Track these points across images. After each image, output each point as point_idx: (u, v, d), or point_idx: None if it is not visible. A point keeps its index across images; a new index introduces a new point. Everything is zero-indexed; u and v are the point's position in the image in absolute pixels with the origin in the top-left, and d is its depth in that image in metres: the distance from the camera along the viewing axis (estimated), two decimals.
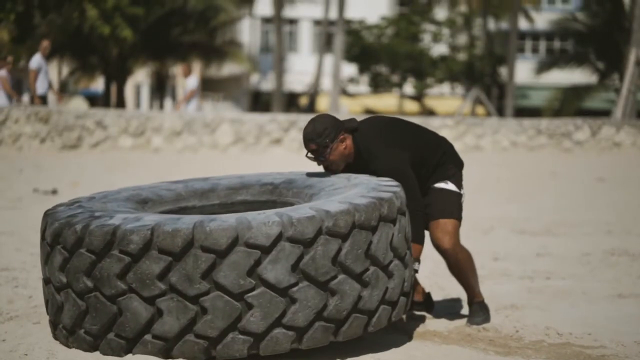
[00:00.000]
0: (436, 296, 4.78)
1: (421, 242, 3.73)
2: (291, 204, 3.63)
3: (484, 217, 7.97)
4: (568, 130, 15.59)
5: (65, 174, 10.55)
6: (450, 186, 3.95)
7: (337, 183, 3.60)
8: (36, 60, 13.73)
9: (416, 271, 3.72)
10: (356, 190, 3.40)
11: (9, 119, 13.21)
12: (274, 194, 3.80)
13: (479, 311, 4.12)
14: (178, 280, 2.97)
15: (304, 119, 13.97)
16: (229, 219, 3.00)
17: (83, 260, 3.07)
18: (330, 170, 3.79)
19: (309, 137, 3.67)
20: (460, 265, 4.02)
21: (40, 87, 13.78)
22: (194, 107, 14.98)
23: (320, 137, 3.64)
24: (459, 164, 4.04)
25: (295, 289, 3.06)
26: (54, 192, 8.79)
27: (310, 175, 3.81)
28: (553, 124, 15.59)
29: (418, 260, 3.71)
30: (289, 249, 3.03)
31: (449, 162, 3.96)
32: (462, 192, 4.01)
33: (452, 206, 3.95)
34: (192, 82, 15.06)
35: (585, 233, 7.16)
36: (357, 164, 3.80)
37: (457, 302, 4.66)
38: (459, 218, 3.98)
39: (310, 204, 3.22)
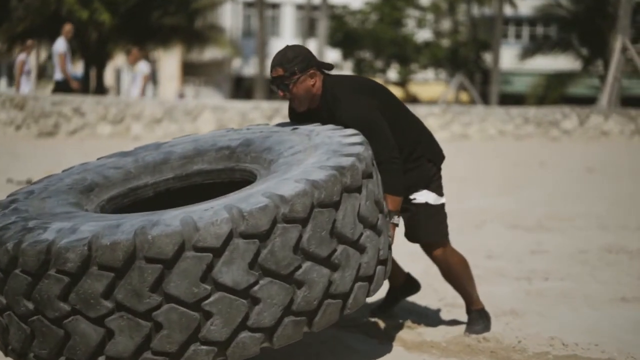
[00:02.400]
0: (431, 301, 4.55)
1: (399, 193, 3.41)
2: (250, 172, 3.33)
3: (474, 211, 7.82)
4: (556, 119, 15.44)
5: (41, 162, 10.29)
6: (433, 199, 3.66)
7: (297, 144, 3.28)
8: (62, 43, 13.54)
9: (396, 225, 3.41)
10: (315, 159, 3.08)
11: None
12: (231, 159, 3.47)
13: (479, 319, 3.89)
14: (125, 296, 2.70)
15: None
16: (173, 222, 2.71)
17: (19, 282, 2.79)
18: (293, 106, 3.47)
19: (277, 61, 3.36)
20: (454, 271, 3.78)
21: (61, 73, 13.63)
22: (138, 92, 14.50)
23: (289, 63, 3.34)
24: (438, 158, 3.72)
25: (256, 288, 2.78)
26: (29, 182, 8.58)
27: (267, 133, 3.47)
28: (540, 113, 15.44)
29: (397, 212, 3.40)
30: (243, 246, 2.74)
31: (427, 154, 3.65)
32: (444, 199, 3.73)
33: (440, 225, 3.71)
34: (143, 68, 14.56)
35: (579, 227, 7.03)
36: (322, 112, 3.47)
37: (454, 308, 4.43)
38: (447, 235, 3.74)
39: (262, 187, 2.90)
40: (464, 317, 4.16)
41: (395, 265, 4.04)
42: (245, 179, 3.35)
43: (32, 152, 11.36)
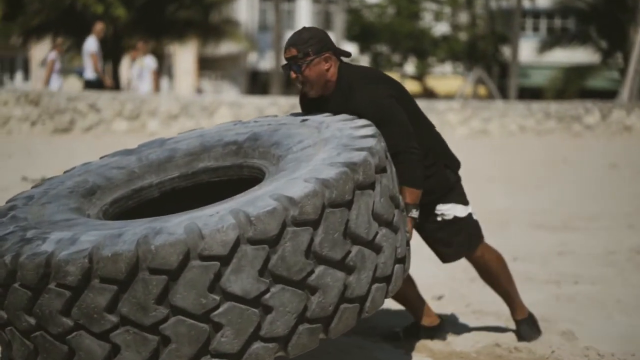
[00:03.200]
0: (458, 307, 4.38)
1: (418, 185, 3.22)
2: (258, 169, 3.16)
3: (497, 210, 7.68)
4: (578, 114, 15.20)
5: (56, 159, 10.20)
6: (461, 211, 3.48)
7: (306, 138, 3.10)
8: (93, 42, 13.54)
9: (415, 219, 3.23)
10: (325, 154, 2.91)
11: None
12: (239, 155, 3.30)
13: (529, 332, 3.72)
14: (130, 310, 2.55)
15: None
16: (177, 230, 2.56)
17: (19, 297, 2.65)
18: (305, 90, 3.27)
19: (291, 41, 3.19)
20: (491, 268, 3.61)
21: (92, 72, 13.63)
22: (148, 88, 14.44)
23: (304, 44, 3.17)
24: (455, 165, 3.53)
25: (267, 296, 2.62)
26: (43, 180, 8.33)
27: (275, 126, 3.29)
28: (562, 107, 15.20)
29: (416, 205, 3.22)
30: (252, 252, 2.58)
31: (442, 160, 3.45)
32: (470, 207, 3.54)
33: (474, 235, 3.53)
34: (150, 63, 14.50)
35: (606, 227, 6.87)
36: (335, 100, 3.29)
37: (482, 315, 4.26)
38: (482, 236, 3.57)
39: (269, 189, 2.73)
40: (492, 325, 4.00)
41: (412, 292, 3.76)
42: (253, 176, 3.20)
43: (47, 149, 11.29)
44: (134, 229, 2.61)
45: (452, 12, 32.68)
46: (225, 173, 3.31)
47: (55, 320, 2.60)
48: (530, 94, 29.10)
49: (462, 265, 4.65)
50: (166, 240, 2.52)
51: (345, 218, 2.75)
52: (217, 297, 2.56)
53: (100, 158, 3.45)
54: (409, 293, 3.68)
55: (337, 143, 2.96)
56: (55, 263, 2.56)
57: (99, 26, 13.73)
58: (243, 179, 3.27)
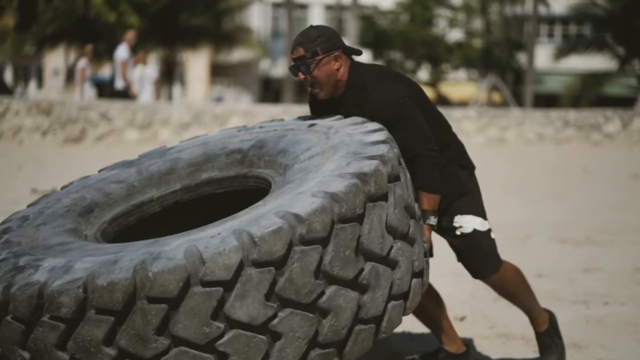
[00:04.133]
0: (481, 330, 4.17)
1: (436, 190, 3.04)
2: (264, 180, 2.98)
3: (517, 222, 7.48)
4: (597, 122, 14.93)
5: (67, 170, 10.11)
6: (480, 224, 3.25)
7: (314, 145, 2.92)
8: (124, 50, 13.48)
9: (433, 227, 3.06)
10: (333, 164, 2.72)
11: (9, 111, 12.72)
12: (244, 164, 3.12)
13: (551, 347, 3.46)
14: (129, 342, 2.39)
15: None
16: (176, 254, 2.39)
17: (12, 330, 2.50)
18: (314, 91, 3.09)
19: (298, 41, 3.03)
20: (509, 288, 3.37)
21: (122, 81, 13.56)
22: (148, 97, 14.36)
23: (312, 42, 3.00)
24: (471, 165, 3.31)
25: (275, 321, 2.45)
26: (54, 191, 8.29)
27: (282, 132, 3.11)
28: (581, 116, 14.94)
29: (434, 212, 3.04)
30: (257, 276, 2.41)
31: (456, 159, 3.24)
32: (488, 223, 3.30)
33: (493, 254, 3.29)
34: (151, 72, 14.45)
35: (632, 242, 6.65)
36: (347, 101, 3.10)
37: (508, 339, 4.05)
38: (500, 259, 3.32)
39: (274, 205, 2.56)
40: (519, 350, 3.80)
41: (438, 312, 3.51)
42: (260, 187, 3.03)
43: (58, 160, 11.21)
44: (131, 255, 2.46)
45: (467, 19, 32.48)
46: (230, 184, 3.14)
47: (50, 354, 2.45)
48: (545, 100, 28.91)
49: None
50: (165, 266, 2.36)
51: (356, 233, 2.57)
52: (222, 325, 2.40)
53: (100, 171, 3.29)
54: (434, 313, 3.45)
55: (346, 151, 2.79)
56: (48, 294, 2.41)
57: (130, 34, 13.59)
58: (249, 189, 3.11)
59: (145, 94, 14.27)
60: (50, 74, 33.64)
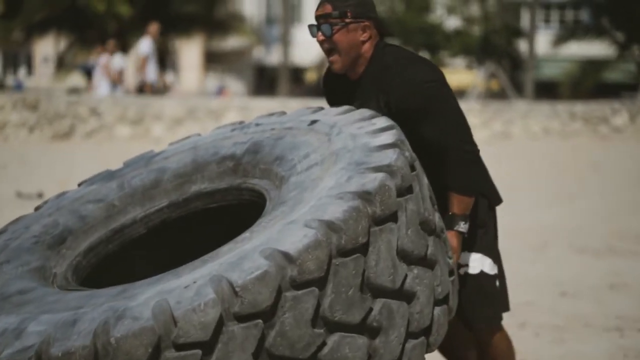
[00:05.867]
0: None
1: (470, 191, 2.64)
2: (259, 193, 2.56)
3: (529, 228, 7.16)
4: (604, 115, 14.59)
5: (54, 170, 9.83)
6: (489, 267, 2.77)
7: (313, 151, 2.49)
8: (146, 45, 13.07)
9: (462, 234, 2.65)
10: (332, 180, 2.30)
11: None
12: (237, 173, 2.70)
13: None
14: None
15: (316, 104, 12.92)
16: (143, 312, 2.02)
17: None
18: (328, 57, 2.69)
19: None
20: (497, 353, 2.85)
21: (151, 74, 13.20)
22: (107, 89, 13.92)
23: (343, 1, 2.63)
24: (494, 195, 2.82)
25: None
26: (40, 195, 8.08)
27: (279, 132, 2.67)
28: (589, 108, 14.63)
29: (465, 217, 2.64)
30: (242, 332, 2.03)
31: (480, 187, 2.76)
32: (497, 266, 2.82)
33: (497, 305, 2.80)
34: (119, 62, 14.00)
35: None
36: (365, 84, 2.68)
37: None
38: (501, 316, 2.84)
39: (260, 241, 2.16)
40: None
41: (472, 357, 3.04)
42: (255, 201, 2.62)
43: (45, 158, 10.89)
44: (92, 312, 2.08)
45: (464, 5, 32.09)
46: (222, 197, 2.71)
47: None
48: (543, 87, 28.66)
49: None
50: (130, 328, 1.98)
51: (361, 268, 2.16)
52: None
53: (79, 185, 2.87)
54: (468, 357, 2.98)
55: (348, 160, 2.35)
56: None
57: (153, 27, 13.10)
58: (244, 202, 2.70)
59: (103, 86, 13.82)
60: (40, 61, 33.26)
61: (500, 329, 2.84)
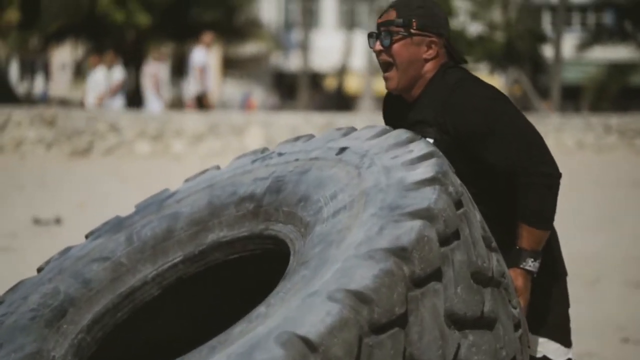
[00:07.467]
0: None
1: (545, 225, 2.27)
2: (283, 242, 2.22)
3: (575, 257, 6.63)
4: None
5: (73, 189, 9.69)
6: (555, 354, 2.37)
7: (341, 190, 2.14)
8: (201, 55, 12.65)
9: (532, 273, 2.26)
10: (361, 233, 1.94)
11: (10, 121, 12.10)
12: (258, 217, 2.35)
13: None
14: None
15: (342, 120, 12.55)
16: None
17: None
18: (384, 72, 2.40)
19: (395, 3, 2.39)
20: None
21: (209, 84, 12.89)
22: (120, 103, 13.60)
23: (409, 10, 2.36)
24: (560, 270, 2.44)
25: None
26: (57, 220, 7.94)
27: (304, 164, 2.31)
28: (624, 121, 14.22)
29: (536, 254, 2.26)
30: None
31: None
32: (571, 352, 2.40)
33: None
34: (118, 74, 13.62)
35: None
36: (422, 106, 2.36)
37: None
38: None
39: (275, 322, 1.80)
40: None
41: None
42: (280, 249, 2.27)
43: (63, 177, 10.68)
44: None
45: (487, 11, 31.80)
46: (244, 247, 2.36)
47: None
48: (567, 92, 28.45)
49: None
50: None
51: (401, 345, 1.80)
52: None
53: (86, 237, 2.55)
54: None
55: (380, 204, 1.99)
56: None
57: (207, 36, 12.68)
58: (268, 251, 2.36)
59: (117, 100, 13.56)
60: (58, 69, 33.38)
61: None
